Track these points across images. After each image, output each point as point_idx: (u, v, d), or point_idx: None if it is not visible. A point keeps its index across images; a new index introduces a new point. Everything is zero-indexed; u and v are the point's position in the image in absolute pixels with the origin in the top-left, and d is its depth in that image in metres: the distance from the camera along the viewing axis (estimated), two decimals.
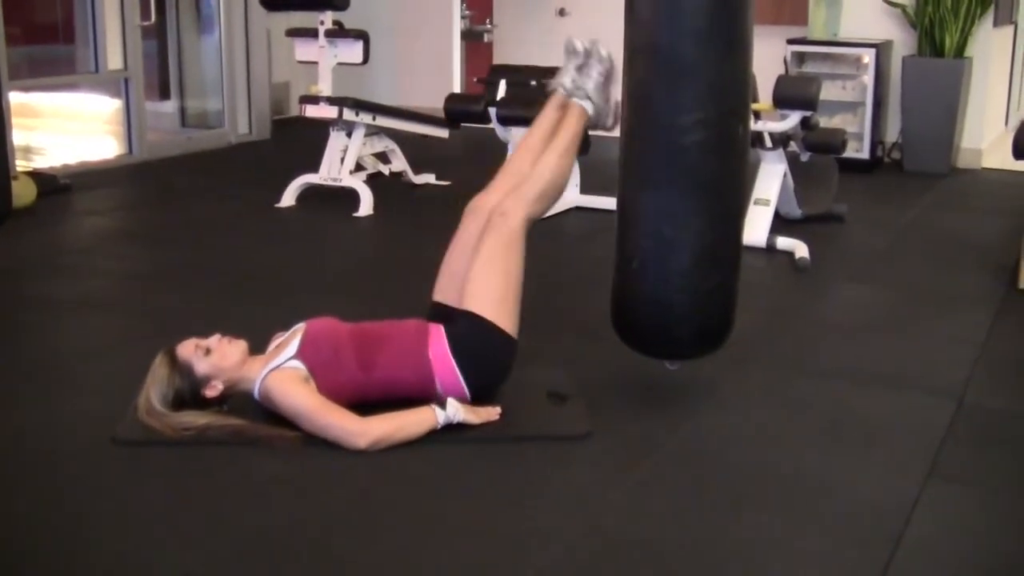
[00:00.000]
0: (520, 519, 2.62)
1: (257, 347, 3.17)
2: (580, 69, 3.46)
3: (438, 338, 3.10)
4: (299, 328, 3.15)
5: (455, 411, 3.01)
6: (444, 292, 3.31)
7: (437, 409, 3.00)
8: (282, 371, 3.01)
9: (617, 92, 3.35)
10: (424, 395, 3.07)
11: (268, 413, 3.03)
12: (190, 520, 2.60)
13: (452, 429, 3.01)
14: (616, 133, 3.25)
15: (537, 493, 2.76)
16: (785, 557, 2.47)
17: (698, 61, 2.96)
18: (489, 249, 3.19)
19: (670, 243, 3.07)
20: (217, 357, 3.04)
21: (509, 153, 5.59)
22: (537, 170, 3.36)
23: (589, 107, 3.45)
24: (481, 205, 3.37)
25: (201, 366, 3.02)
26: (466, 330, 3.12)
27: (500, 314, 3.14)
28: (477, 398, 3.13)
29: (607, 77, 3.45)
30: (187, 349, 3.05)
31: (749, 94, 3.13)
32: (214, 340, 3.07)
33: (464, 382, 3.09)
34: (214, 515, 2.62)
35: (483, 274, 3.17)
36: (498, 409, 3.12)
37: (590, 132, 3.63)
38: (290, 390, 2.97)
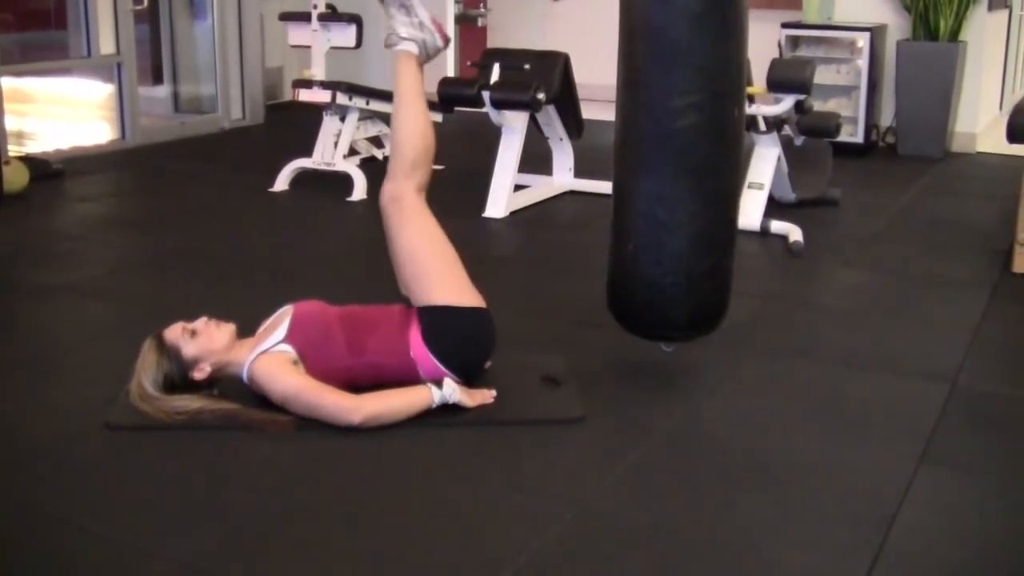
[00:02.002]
0: (513, 502, 2.62)
1: (248, 330, 3.17)
2: (391, 16, 3.40)
3: (415, 329, 3.09)
4: (287, 310, 3.15)
5: (451, 391, 3.01)
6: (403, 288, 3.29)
7: (433, 388, 3.00)
8: (271, 355, 3.00)
9: (423, 12, 3.35)
10: (410, 381, 3.06)
11: (261, 397, 3.03)
12: (183, 505, 2.59)
13: (446, 412, 3.01)
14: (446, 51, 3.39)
15: (530, 477, 2.76)
16: (778, 540, 2.47)
17: (692, 44, 2.95)
18: (402, 239, 3.18)
19: (664, 226, 3.07)
20: (204, 339, 3.03)
21: (503, 136, 5.59)
22: (394, 139, 3.35)
23: (410, 47, 3.37)
24: (382, 202, 3.37)
25: (188, 349, 3.02)
26: (431, 321, 3.09)
27: (452, 292, 3.11)
28: (469, 378, 3.13)
29: (405, 6, 3.36)
30: (174, 332, 3.04)
31: (744, 77, 3.12)
32: (201, 323, 3.07)
33: (446, 368, 3.08)
34: (207, 500, 2.62)
35: (414, 265, 3.14)
36: (493, 392, 3.12)
37: (429, 61, 3.50)
38: (278, 373, 2.97)
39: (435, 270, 3.14)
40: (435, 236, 3.19)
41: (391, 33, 3.35)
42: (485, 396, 3.10)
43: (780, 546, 2.45)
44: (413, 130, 3.33)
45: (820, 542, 2.47)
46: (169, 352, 3.02)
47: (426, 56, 3.40)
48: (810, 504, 2.64)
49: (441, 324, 3.09)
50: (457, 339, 3.10)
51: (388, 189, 3.28)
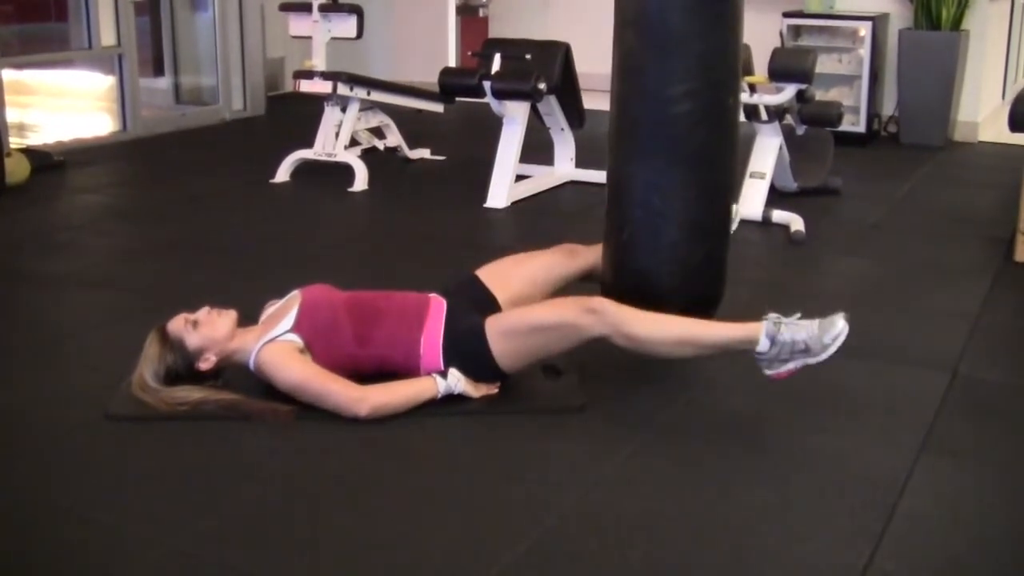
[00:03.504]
0: (513, 492, 2.62)
1: (250, 319, 3.17)
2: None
3: (435, 324, 3.08)
4: (294, 296, 3.14)
5: (456, 381, 3.01)
6: (491, 276, 3.29)
7: (438, 378, 3.00)
8: (278, 343, 3.00)
9: (799, 366, 2.89)
10: (413, 373, 3.06)
11: (264, 386, 3.03)
12: (184, 495, 2.60)
13: (449, 401, 3.01)
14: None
15: (531, 466, 2.76)
16: (778, 530, 2.47)
17: (687, 32, 2.95)
18: (554, 317, 2.98)
19: (659, 213, 3.08)
20: (207, 329, 3.03)
21: (504, 126, 5.58)
22: (663, 322, 2.98)
23: (764, 345, 2.89)
24: (579, 251, 3.41)
25: (192, 339, 3.02)
26: (466, 342, 3.05)
27: (508, 361, 3.04)
28: None
29: (808, 351, 2.87)
30: (177, 324, 3.05)
31: (739, 66, 3.12)
32: (203, 313, 3.07)
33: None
34: (208, 490, 2.62)
35: (527, 330, 3.00)
36: (498, 384, 3.12)
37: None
38: (285, 361, 2.97)
39: (528, 345, 3.01)
40: (560, 347, 3.03)
41: (779, 322, 2.91)
42: (490, 387, 3.10)
43: (780, 535, 2.45)
44: (663, 352, 3.00)
45: (820, 531, 2.47)
46: (172, 344, 3.02)
47: (755, 357, 2.94)
48: (810, 493, 2.64)
49: (468, 348, 3.04)
50: (469, 363, 3.06)
51: (598, 305, 2.98)
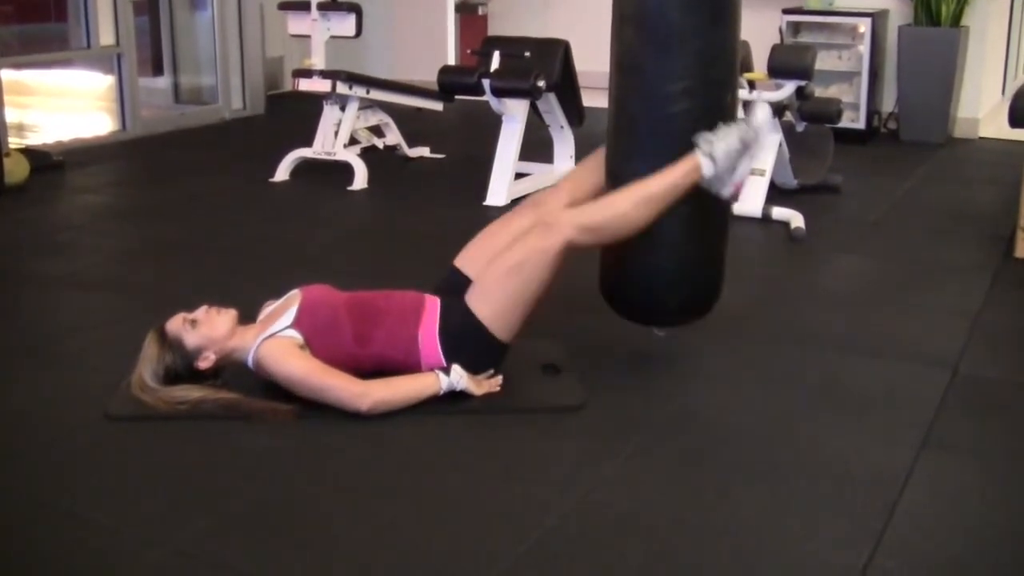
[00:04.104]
0: (513, 491, 2.62)
1: (249, 318, 3.17)
2: (728, 137, 3.00)
3: (431, 321, 3.07)
4: (294, 295, 3.14)
5: (458, 378, 3.00)
6: (466, 261, 3.25)
7: (441, 375, 3.00)
8: (277, 339, 2.99)
9: (746, 169, 3.00)
10: (413, 371, 3.06)
11: (264, 385, 3.03)
12: (182, 494, 2.60)
13: (449, 399, 3.01)
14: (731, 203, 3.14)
15: (530, 465, 2.76)
16: (778, 528, 2.47)
17: (686, 29, 2.95)
18: (519, 255, 3.01)
19: None
20: (206, 328, 3.03)
21: (504, 124, 5.58)
22: (610, 199, 3.04)
23: (707, 166, 2.96)
24: (542, 199, 3.24)
25: (191, 338, 3.01)
26: (458, 328, 3.06)
27: (499, 322, 3.05)
28: None
29: (745, 146, 2.98)
30: (175, 323, 3.04)
31: (737, 63, 3.12)
32: (201, 312, 3.07)
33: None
34: (207, 490, 2.62)
35: (501, 278, 3.03)
36: (500, 379, 3.12)
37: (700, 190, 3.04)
38: (286, 356, 2.96)
39: (508, 297, 3.02)
40: (539, 280, 3.01)
41: (709, 139, 2.98)
42: (492, 384, 3.10)
43: (781, 533, 2.45)
44: (633, 220, 3.00)
45: (821, 529, 2.46)
46: (171, 344, 3.02)
47: (704, 185, 3.01)
48: (810, 491, 2.63)
49: (463, 333, 3.05)
50: (469, 351, 3.06)
51: (556, 210, 3.09)
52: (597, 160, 3.29)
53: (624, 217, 3.01)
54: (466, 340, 3.06)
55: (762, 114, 3.03)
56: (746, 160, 3.00)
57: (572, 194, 3.25)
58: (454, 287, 3.17)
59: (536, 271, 3.01)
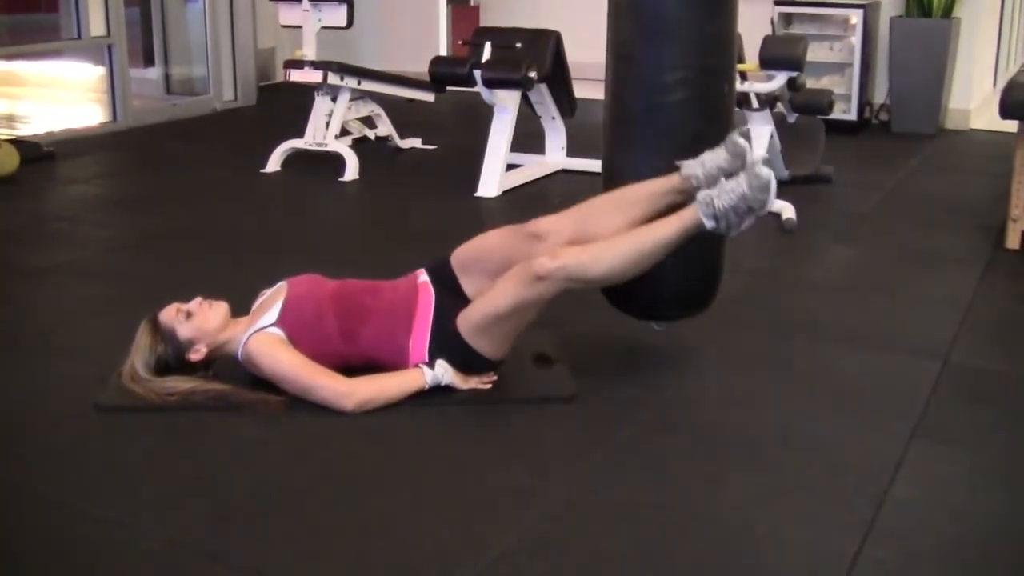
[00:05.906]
0: (504, 481, 2.62)
1: (241, 310, 3.16)
2: (727, 177, 2.91)
3: (421, 334, 3.04)
4: (280, 288, 3.13)
5: (443, 372, 3.00)
6: (458, 262, 3.16)
7: (425, 369, 2.99)
8: (264, 334, 2.99)
9: (749, 223, 2.91)
10: (401, 367, 3.04)
11: (254, 377, 3.02)
12: (174, 485, 2.59)
13: (440, 390, 3.00)
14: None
15: (521, 455, 2.76)
16: (769, 518, 2.47)
17: (682, 19, 2.94)
18: (510, 299, 2.96)
19: None
20: (199, 320, 3.02)
21: (495, 115, 5.58)
22: (607, 251, 2.95)
23: (708, 223, 2.89)
24: (543, 232, 3.11)
25: (183, 330, 3.01)
26: (449, 347, 3.03)
27: (491, 348, 3.04)
28: None
29: (750, 209, 2.88)
30: (168, 314, 3.04)
31: (734, 53, 3.11)
32: (195, 303, 3.06)
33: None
34: (197, 480, 2.62)
35: (491, 318, 2.99)
36: (493, 377, 3.09)
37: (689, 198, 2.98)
38: (273, 352, 2.96)
39: (498, 326, 3.00)
40: (528, 311, 2.99)
41: (712, 197, 2.87)
42: (481, 380, 3.08)
43: (772, 522, 2.45)
44: (626, 269, 2.95)
45: (812, 517, 2.47)
46: (164, 334, 3.01)
47: (700, 233, 2.93)
48: (802, 480, 2.64)
49: (454, 351, 3.03)
50: (459, 362, 3.04)
51: (556, 248, 2.99)
52: (613, 203, 3.14)
53: (621, 270, 2.95)
54: (456, 356, 3.04)
55: (768, 177, 2.84)
56: (752, 217, 2.90)
57: (575, 232, 3.10)
58: (446, 281, 3.14)
59: (526, 314, 3.00)
